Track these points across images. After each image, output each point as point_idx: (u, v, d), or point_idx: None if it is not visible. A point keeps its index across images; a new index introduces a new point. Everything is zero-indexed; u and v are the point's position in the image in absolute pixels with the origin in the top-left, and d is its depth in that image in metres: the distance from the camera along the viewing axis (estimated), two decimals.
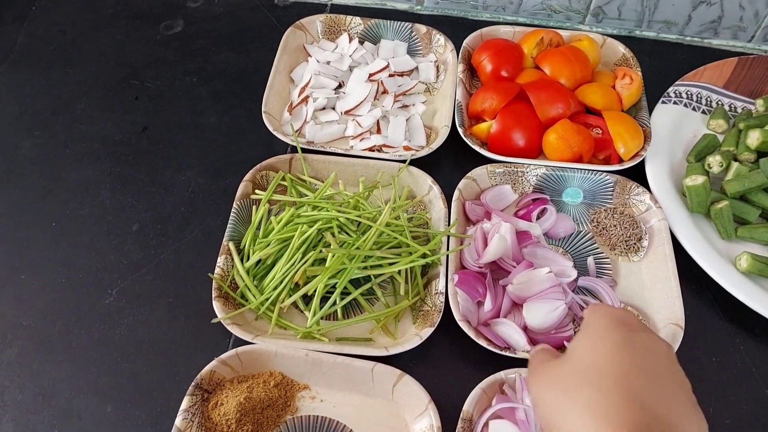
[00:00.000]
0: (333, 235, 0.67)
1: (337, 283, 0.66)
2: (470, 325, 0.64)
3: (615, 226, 0.74)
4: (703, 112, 0.84)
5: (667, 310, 0.66)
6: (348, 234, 0.69)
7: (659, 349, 0.44)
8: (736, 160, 0.77)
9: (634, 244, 0.73)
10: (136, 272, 0.72)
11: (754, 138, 0.75)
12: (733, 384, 0.65)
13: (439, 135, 0.79)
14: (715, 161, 0.76)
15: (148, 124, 0.84)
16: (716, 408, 0.64)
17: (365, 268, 0.66)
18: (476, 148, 0.77)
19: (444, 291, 0.66)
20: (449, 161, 0.80)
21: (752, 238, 0.72)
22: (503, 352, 0.63)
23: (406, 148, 0.79)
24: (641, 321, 0.48)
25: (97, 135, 0.83)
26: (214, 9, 0.98)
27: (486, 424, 0.59)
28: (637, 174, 0.77)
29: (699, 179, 0.73)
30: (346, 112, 0.82)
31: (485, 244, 0.70)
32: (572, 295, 0.67)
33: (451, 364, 0.66)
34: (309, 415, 0.62)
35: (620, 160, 0.77)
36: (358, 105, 0.81)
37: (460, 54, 0.86)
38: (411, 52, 0.90)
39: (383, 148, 0.79)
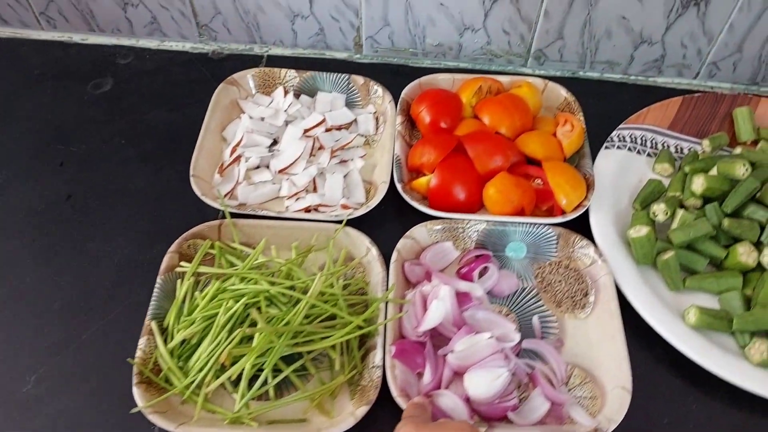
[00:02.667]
0: (260, 309, 0.63)
1: (267, 361, 0.62)
2: (409, 399, 0.61)
3: (560, 281, 0.71)
4: (649, 155, 0.82)
5: (614, 371, 0.63)
6: (278, 307, 0.65)
7: None
8: (682, 206, 0.75)
9: (580, 299, 0.70)
10: (56, 355, 0.67)
11: (698, 184, 0.73)
12: None
13: (378, 192, 0.76)
14: (659, 209, 0.73)
15: (72, 192, 0.80)
16: None
17: (296, 344, 0.62)
18: (415, 204, 0.74)
19: (381, 364, 0.63)
20: (390, 218, 0.77)
21: (701, 288, 0.70)
22: None
23: (344, 207, 0.76)
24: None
25: (19, 205, 0.79)
26: (145, 65, 0.95)
27: None
28: (582, 224, 0.75)
29: (643, 230, 0.71)
30: (280, 171, 0.78)
31: (425, 309, 0.67)
32: (515, 360, 0.64)
33: None
34: None
35: (563, 212, 0.74)
36: (293, 163, 0.78)
37: (398, 105, 0.84)
38: (349, 103, 0.88)
39: (320, 208, 0.76)
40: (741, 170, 0.72)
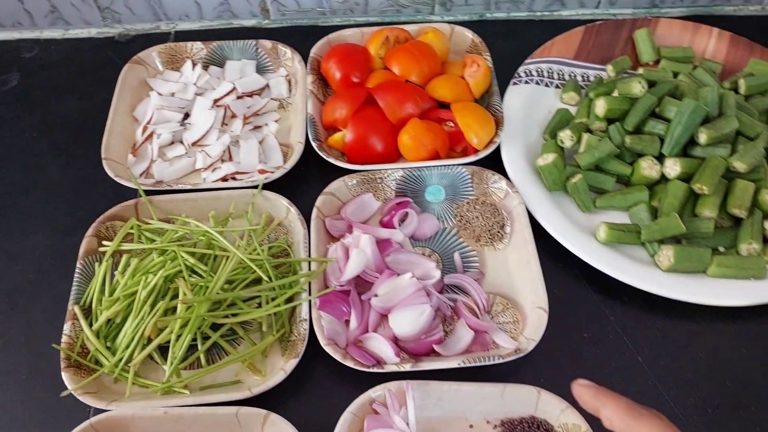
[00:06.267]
0: (184, 279, 0.64)
1: (199, 330, 0.63)
2: (337, 348, 0.62)
3: (477, 217, 0.73)
4: (557, 86, 0.84)
5: (532, 294, 0.66)
6: (202, 276, 0.66)
7: None
8: (589, 131, 0.77)
9: (498, 232, 0.72)
10: None
11: (600, 106, 0.75)
12: (607, 356, 0.65)
13: (294, 153, 0.76)
14: (566, 136, 0.76)
15: None
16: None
17: (224, 316, 0.63)
18: (332, 160, 0.75)
19: (308, 317, 0.64)
20: (311, 178, 0.78)
21: (611, 206, 0.73)
22: (371, 369, 0.61)
23: (261, 172, 0.76)
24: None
25: None
26: (51, 56, 0.93)
27: None
28: (496, 160, 0.76)
29: (549, 158, 0.73)
30: (194, 144, 0.78)
31: (347, 260, 0.68)
32: (437, 296, 0.66)
33: (323, 391, 0.63)
34: None
35: (476, 151, 0.76)
36: (205, 134, 0.78)
37: (308, 64, 0.84)
38: (261, 69, 0.87)
39: (237, 176, 0.76)
40: (638, 88, 0.74)
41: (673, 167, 0.71)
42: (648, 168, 0.71)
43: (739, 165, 0.69)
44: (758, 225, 0.68)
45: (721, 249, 0.69)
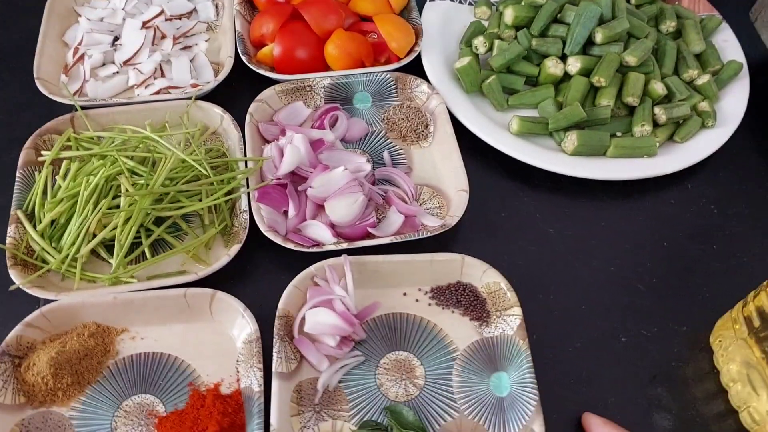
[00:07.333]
0: (126, 177, 0.66)
1: (143, 227, 0.66)
2: (278, 234, 0.67)
3: (403, 119, 0.79)
4: (470, 3, 0.91)
5: (455, 180, 0.72)
6: (143, 176, 0.68)
7: None
8: (499, 38, 0.84)
9: (422, 131, 0.78)
10: None
11: (508, 15, 0.82)
12: (521, 230, 0.73)
13: (225, 67, 0.80)
14: (479, 43, 0.82)
15: None
16: (508, 253, 0.71)
17: (166, 209, 0.66)
18: (262, 72, 0.79)
19: (248, 209, 0.68)
20: (243, 91, 0.81)
21: (522, 103, 0.80)
22: (311, 249, 0.66)
23: (194, 86, 0.79)
24: None
25: None
26: None
27: (303, 317, 0.62)
28: (418, 70, 0.82)
29: (465, 60, 0.79)
30: (125, 63, 0.80)
31: (282, 158, 0.72)
32: (369, 186, 0.72)
33: (267, 274, 0.68)
34: (131, 355, 0.62)
35: (399, 59, 0.81)
36: (136, 53, 0.80)
37: None
38: None
39: (170, 90, 0.79)
40: None
41: (574, 64, 0.78)
42: (553, 66, 0.79)
43: (631, 59, 0.78)
44: (648, 110, 0.77)
45: (618, 134, 0.78)
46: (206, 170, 0.68)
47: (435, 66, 0.81)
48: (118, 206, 0.66)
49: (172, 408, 0.59)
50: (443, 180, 0.75)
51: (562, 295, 0.69)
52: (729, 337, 0.62)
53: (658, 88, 0.78)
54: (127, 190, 0.65)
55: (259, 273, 0.68)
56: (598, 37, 0.78)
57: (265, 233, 0.66)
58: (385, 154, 0.77)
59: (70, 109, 0.76)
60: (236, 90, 0.80)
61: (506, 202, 0.75)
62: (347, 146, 0.78)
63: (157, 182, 0.66)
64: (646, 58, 0.79)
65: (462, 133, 0.77)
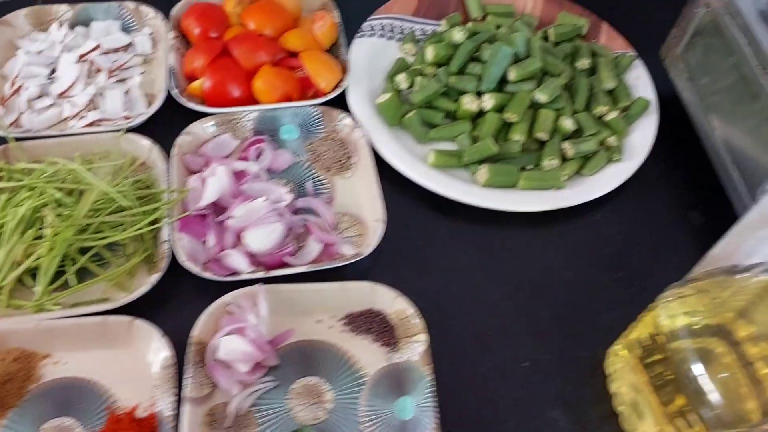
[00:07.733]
0: (51, 208, 0.69)
1: (68, 257, 0.69)
2: (197, 263, 0.70)
3: (327, 150, 0.83)
4: (398, 40, 0.95)
5: (373, 210, 0.76)
6: (69, 207, 0.71)
7: None
8: (422, 75, 0.88)
9: (345, 162, 0.82)
10: None
11: (429, 53, 0.87)
12: (436, 258, 0.77)
13: (157, 100, 0.83)
14: (401, 79, 0.87)
15: None
16: (422, 281, 0.75)
17: (89, 239, 0.69)
18: (191, 105, 0.83)
19: (169, 239, 0.71)
20: (174, 124, 0.83)
21: (441, 137, 0.84)
22: (227, 279, 0.69)
23: (126, 118, 0.82)
24: None
25: None
26: None
27: (218, 344, 0.65)
28: (343, 103, 0.86)
29: (386, 96, 0.84)
30: (60, 95, 0.83)
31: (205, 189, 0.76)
32: (290, 216, 0.75)
33: (186, 302, 0.71)
34: (53, 379, 0.65)
35: (325, 94, 0.85)
36: (71, 86, 0.83)
37: (170, 23, 0.91)
38: (126, 28, 0.93)
39: (102, 123, 0.82)
40: (458, 35, 0.87)
41: (488, 101, 0.83)
42: (469, 103, 0.84)
43: (540, 96, 0.83)
44: (557, 145, 0.82)
45: (529, 167, 0.83)
46: (128, 201, 0.71)
47: (359, 100, 0.85)
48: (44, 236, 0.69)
49: (90, 430, 0.62)
50: (363, 209, 0.78)
51: (472, 322, 0.73)
52: (620, 363, 0.67)
53: (568, 123, 0.83)
54: (51, 221, 0.68)
55: (179, 301, 0.71)
56: (512, 76, 0.83)
57: (181, 264, 0.70)
58: (308, 185, 0.81)
59: (3, 139, 0.79)
60: (166, 121, 0.84)
61: (423, 231, 0.79)
62: (273, 176, 0.81)
63: (80, 213, 0.69)
64: (557, 95, 0.84)
65: (384, 165, 0.81)
